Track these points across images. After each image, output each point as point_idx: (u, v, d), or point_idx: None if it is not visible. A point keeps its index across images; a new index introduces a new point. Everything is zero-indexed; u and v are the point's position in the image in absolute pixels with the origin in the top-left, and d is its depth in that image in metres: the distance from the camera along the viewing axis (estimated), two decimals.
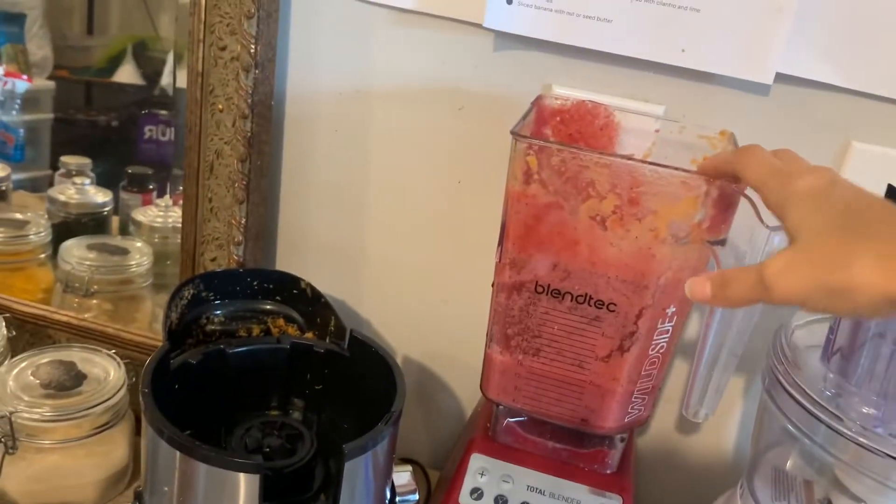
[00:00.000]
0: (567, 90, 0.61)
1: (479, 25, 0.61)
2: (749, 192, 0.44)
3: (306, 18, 0.67)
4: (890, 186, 0.59)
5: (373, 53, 0.67)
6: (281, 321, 0.65)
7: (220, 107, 0.66)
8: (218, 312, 0.63)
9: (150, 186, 1.09)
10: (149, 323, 0.88)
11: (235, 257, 0.69)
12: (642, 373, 0.52)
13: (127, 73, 1.03)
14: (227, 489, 0.45)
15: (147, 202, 1.10)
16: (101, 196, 1.05)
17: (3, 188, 1.07)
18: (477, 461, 0.57)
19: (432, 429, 0.79)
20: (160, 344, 0.54)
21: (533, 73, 0.63)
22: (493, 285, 0.55)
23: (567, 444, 0.57)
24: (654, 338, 0.51)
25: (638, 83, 0.61)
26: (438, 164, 0.69)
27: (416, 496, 0.56)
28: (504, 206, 0.51)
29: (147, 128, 1.13)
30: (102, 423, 0.65)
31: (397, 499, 0.55)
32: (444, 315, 0.74)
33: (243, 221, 0.68)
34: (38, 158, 1.05)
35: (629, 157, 0.47)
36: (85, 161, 1.12)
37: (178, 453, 0.45)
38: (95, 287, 0.87)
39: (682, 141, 0.57)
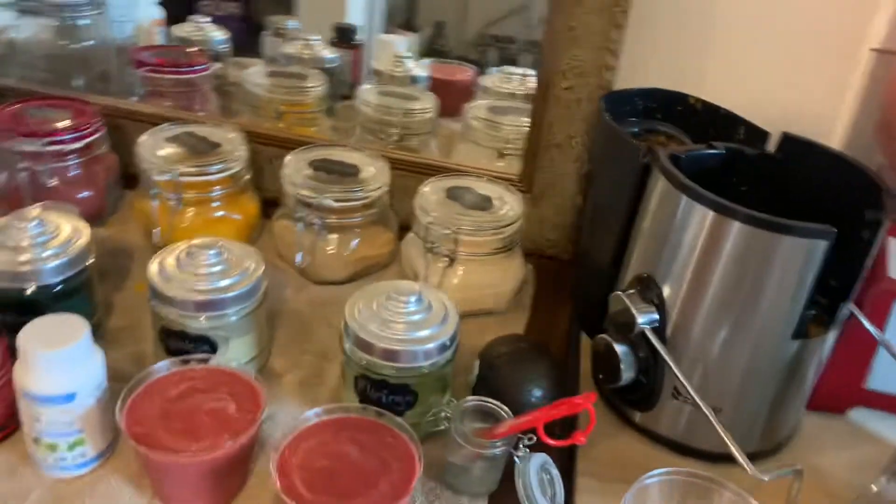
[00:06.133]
0: None
1: None
2: None
3: None
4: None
5: None
6: (662, 138, 0.71)
7: None
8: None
9: (356, 41, 1.11)
10: None
11: (606, 81, 0.73)
12: None
13: None
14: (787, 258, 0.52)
15: (357, 58, 1.13)
16: (328, 52, 1.07)
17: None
18: None
19: None
20: None
21: None
22: None
23: None
24: None
25: None
26: None
27: None
28: None
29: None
30: (507, 243, 0.71)
31: None
32: None
33: (617, 47, 0.71)
34: None
35: None
36: (292, 18, 1.14)
37: (737, 225, 0.52)
38: (400, 130, 0.91)
39: None
